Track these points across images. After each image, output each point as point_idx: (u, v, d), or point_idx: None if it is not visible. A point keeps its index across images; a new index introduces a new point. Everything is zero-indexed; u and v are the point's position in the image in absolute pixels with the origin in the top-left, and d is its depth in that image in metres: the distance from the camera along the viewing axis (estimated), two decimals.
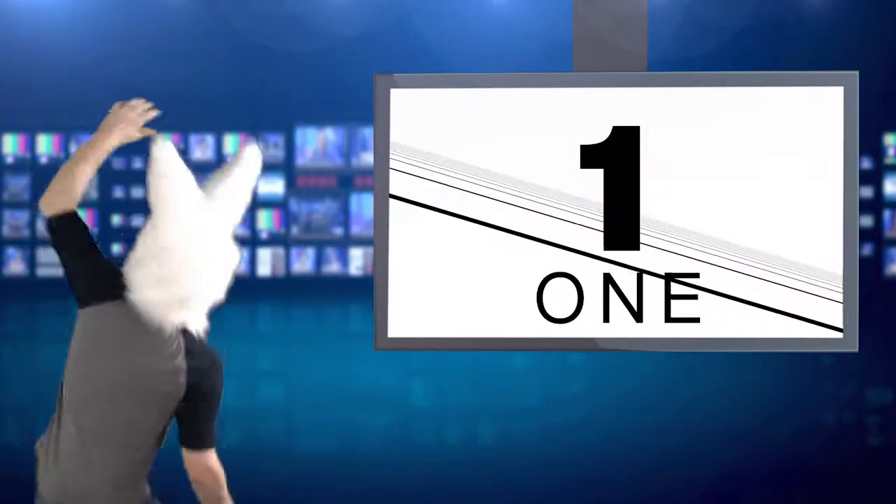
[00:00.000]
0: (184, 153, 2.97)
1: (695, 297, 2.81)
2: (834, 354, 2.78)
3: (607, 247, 2.82)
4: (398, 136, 2.85)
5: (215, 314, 2.93)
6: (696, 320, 2.81)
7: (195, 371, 2.30)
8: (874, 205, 2.65)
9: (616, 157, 2.82)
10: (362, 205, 2.74)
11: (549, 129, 2.82)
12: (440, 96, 2.83)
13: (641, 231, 2.81)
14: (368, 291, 2.86)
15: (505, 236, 2.83)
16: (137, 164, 2.91)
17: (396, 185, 2.87)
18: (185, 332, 2.31)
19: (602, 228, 2.82)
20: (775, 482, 2.81)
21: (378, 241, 2.86)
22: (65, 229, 2.32)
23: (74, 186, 2.34)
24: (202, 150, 2.81)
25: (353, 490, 2.85)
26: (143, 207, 2.96)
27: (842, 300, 2.80)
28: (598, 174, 2.82)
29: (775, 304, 2.81)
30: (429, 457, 2.85)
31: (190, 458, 2.34)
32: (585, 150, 2.83)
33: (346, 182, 2.70)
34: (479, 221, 2.84)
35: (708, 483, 2.81)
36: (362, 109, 2.84)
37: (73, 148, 2.94)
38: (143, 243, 2.30)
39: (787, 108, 2.80)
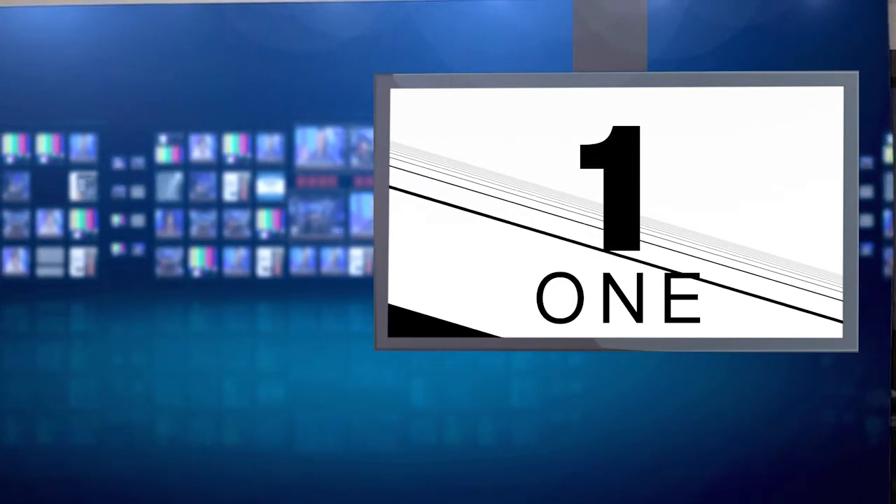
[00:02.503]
0: (183, 153, 2.97)
1: (695, 296, 2.81)
2: (834, 354, 2.78)
3: (607, 247, 2.82)
4: (398, 136, 2.85)
5: (215, 314, 2.94)
6: (696, 320, 2.81)
7: None
8: (874, 205, 2.65)
9: (616, 157, 2.82)
10: (362, 205, 2.74)
11: (549, 129, 2.82)
12: (440, 96, 2.83)
13: (641, 231, 2.81)
14: (368, 291, 2.86)
15: (505, 237, 2.83)
16: (137, 163, 2.91)
17: (397, 184, 2.87)
18: None
19: (602, 228, 2.82)
20: (775, 482, 2.82)
21: (378, 241, 2.86)
22: None
23: None
24: (201, 150, 2.81)
25: (353, 490, 2.85)
26: (144, 207, 2.96)
27: (841, 300, 2.80)
28: (598, 174, 2.82)
29: (775, 301, 2.81)
30: (429, 457, 2.85)
31: None
32: (585, 150, 2.83)
33: (345, 182, 2.70)
34: (478, 216, 2.84)
35: (708, 483, 2.81)
36: (362, 109, 2.84)
37: (73, 148, 2.94)
38: None
39: (787, 108, 2.80)
